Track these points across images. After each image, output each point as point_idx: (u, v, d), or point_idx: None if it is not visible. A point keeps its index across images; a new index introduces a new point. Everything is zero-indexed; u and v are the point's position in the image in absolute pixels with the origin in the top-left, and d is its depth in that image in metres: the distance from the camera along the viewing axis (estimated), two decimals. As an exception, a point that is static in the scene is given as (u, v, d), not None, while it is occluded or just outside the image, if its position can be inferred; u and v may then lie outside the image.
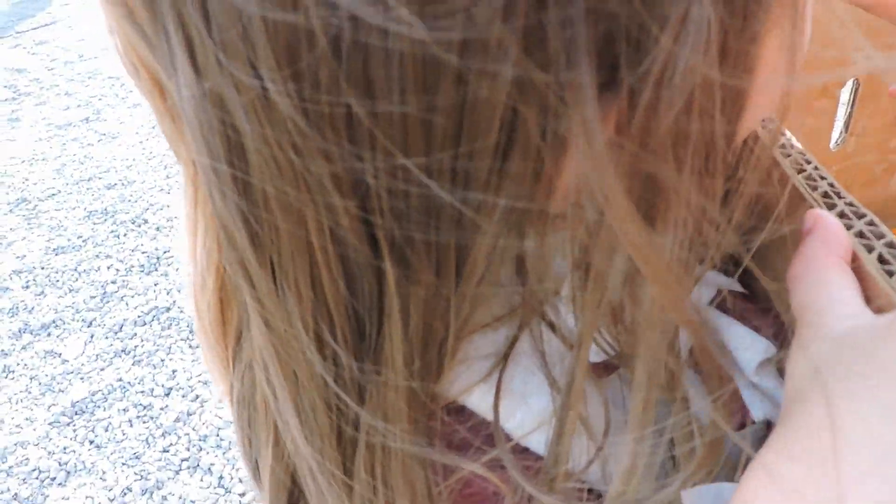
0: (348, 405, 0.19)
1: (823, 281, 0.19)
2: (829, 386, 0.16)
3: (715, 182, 0.16)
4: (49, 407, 1.31)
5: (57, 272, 1.64)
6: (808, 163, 0.21)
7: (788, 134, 0.23)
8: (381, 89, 0.13)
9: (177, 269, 1.60)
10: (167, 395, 1.31)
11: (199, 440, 1.22)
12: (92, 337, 1.45)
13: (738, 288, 0.26)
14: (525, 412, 0.22)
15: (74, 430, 1.26)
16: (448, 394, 0.22)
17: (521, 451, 0.22)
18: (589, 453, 0.21)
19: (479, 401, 0.22)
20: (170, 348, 1.40)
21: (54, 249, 1.71)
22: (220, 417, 1.25)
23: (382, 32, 0.13)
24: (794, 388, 0.18)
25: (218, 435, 1.22)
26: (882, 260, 0.18)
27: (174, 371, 1.35)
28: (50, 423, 1.28)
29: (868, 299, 0.18)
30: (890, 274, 0.18)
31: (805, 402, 0.17)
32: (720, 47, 0.14)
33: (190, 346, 1.40)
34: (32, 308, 1.54)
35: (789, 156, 0.21)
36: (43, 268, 1.66)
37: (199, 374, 1.34)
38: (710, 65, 0.14)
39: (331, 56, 0.13)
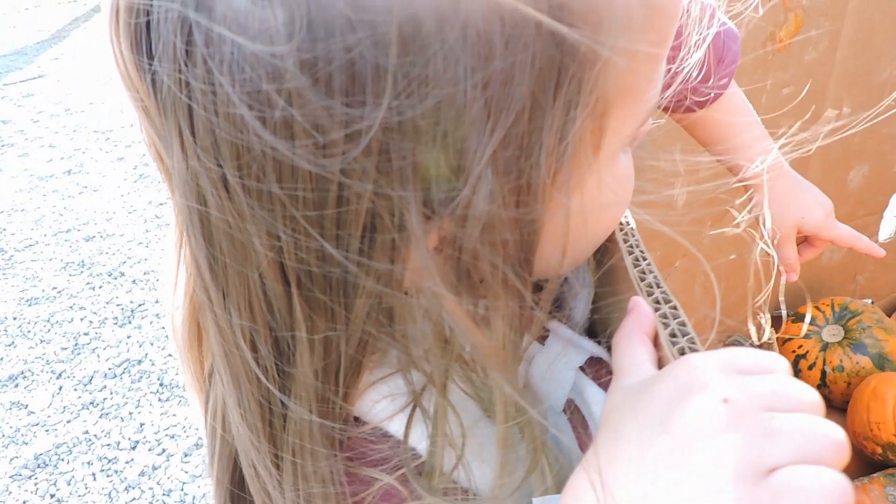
0: (277, 397, 0.26)
1: (630, 350, 0.27)
2: (605, 423, 0.24)
3: (524, 286, 0.24)
4: (11, 459, 1.31)
5: (29, 323, 1.65)
6: (644, 259, 0.28)
7: (637, 234, 0.31)
8: (289, 183, 0.22)
9: (150, 323, 1.62)
10: (133, 448, 1.32)
11: (164, 494, 1.22)
12: (60, 389, 1.46)
13: (604, 355, 0.33)
14: None
15: (36, 484, 1.26)
16: (375, 420, 0.29)
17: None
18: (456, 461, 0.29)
19: (398, 427, 0.29)
20: (139, 401, 1.41)
21: (27, 300, 1.73)
22: (186, 472, 1.26)
23: (290, 156, 0.21)
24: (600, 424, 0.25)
25: (182, 490, 1.23)
26: (673, 335, 0.26)
27: (142, 424, 1.36)
28: (11, 476, 1.27)
29: (660, 363, 0.25)
30: (674, 344, 0.25)
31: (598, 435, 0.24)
32: (511, 199, 0.23)
33: (159, 400, 1.42)
34: (1, 358, 1.55)
35: (632, 253, 0.29)
36: (15, 318, 1.67)
37: (167, 428, 1.35)
38: (500, 210, 0.22)
39: (260, 158, 0.22)
